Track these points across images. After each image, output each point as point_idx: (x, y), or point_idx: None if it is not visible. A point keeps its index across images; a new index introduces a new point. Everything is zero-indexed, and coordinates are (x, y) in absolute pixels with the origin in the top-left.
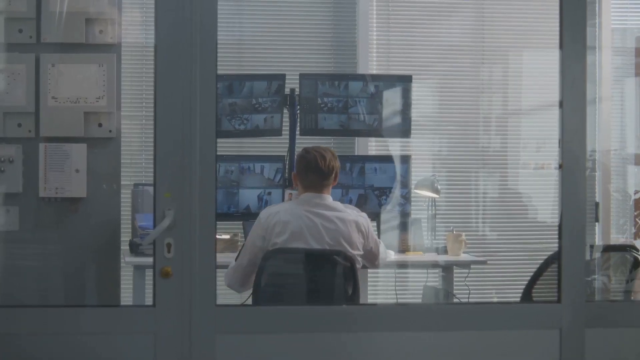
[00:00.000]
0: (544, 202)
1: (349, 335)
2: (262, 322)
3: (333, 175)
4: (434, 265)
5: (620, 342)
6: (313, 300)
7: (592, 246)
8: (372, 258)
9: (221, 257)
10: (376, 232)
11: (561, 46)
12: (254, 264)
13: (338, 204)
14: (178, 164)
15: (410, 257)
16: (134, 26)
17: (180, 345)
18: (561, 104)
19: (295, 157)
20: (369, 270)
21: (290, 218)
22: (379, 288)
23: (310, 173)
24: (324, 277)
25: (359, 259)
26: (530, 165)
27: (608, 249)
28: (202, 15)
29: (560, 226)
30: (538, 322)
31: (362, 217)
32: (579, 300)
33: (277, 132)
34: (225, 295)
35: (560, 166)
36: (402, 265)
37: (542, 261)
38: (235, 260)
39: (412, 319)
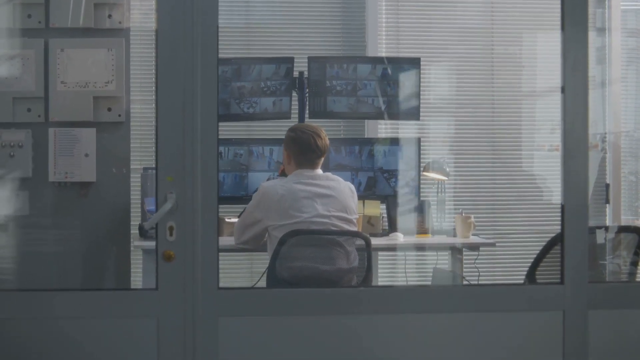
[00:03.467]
0: (555, 184)
1: (355, 318)
2: (265, 304)
3: (326, 152)
4: (444, 247)
5: (623, 323)
6: (328, 282)
7: (606, 228)
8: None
9: (230, 240)
10: (385, 215)
11: (562, 29)
12: (252, 227)
13: (329, 174)
14: (180, 148)
15: (420, 239)
16: (143, 10)
17: (183, 328)
18: (563, 88)
19: (287, 137)
20: (380, 253)
21: (288, 192)
22: (390, 270)
23: (309, 153)
24: (340, 258)
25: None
26: (544, 147)
27: (621, 230)
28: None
29: (562, 208)
30: (541, 303)
31: (349, 183)
32: (581, 282)
33: (286, 115)
34: (228, 278)
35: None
36: (412, 247)
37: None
38: (239, 216)
39: (420, 301)
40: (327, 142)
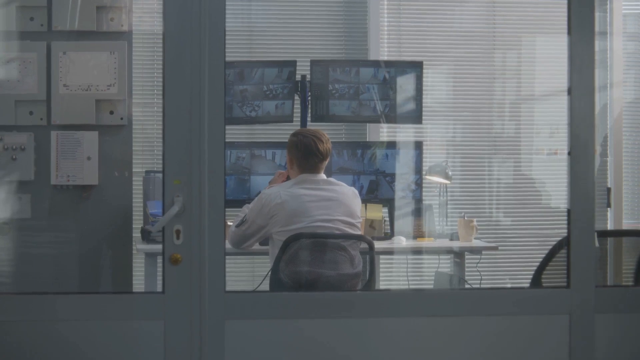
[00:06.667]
0: (556, 187)
1: (360, 321)
2: (271, 308)
3: (329, 156)
4: (446, 251)
5: (630, 328)
6: (332, 287)
7: (605, 232)
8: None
9: None
10: (388, 219)
11: (569, 32)
12: (252, 235)
13: (332, 179)
14: (187, 151)
15: (422, 243)
16: (146, 13)
17: (189, 332)
18: (569, 91)
19: (289, 141)
20: (382, 257)
21: (291, 198)
22: (392, 274)
23: (311, 157)
24: (344, 262)
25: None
26: (544, 151)
27: (620, 233)
28: (211, 1)
29: (569, 212)
30: (547, 307)
31: (353, 188)
32: (588, 286)
33: (288, 119)
34: (235, 281)
35: (569, 153)
36: (414, 251)
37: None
38: (237, 226)
39: (423, 304)
40: (329, 146)
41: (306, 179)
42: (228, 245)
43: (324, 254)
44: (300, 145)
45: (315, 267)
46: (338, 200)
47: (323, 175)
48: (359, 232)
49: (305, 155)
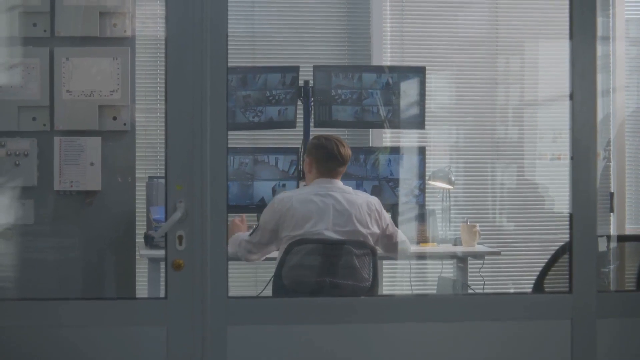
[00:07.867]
0: (560, 193)
1: (363, 327)
2: (274, 313)
3: (348, 162)
4: (449, 256)
5: (632, 333)
6: (333, 291)
7: (608, 237)
8: (392, 243)
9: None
10: None
11: (571, 36)
12: (265, 244)
13: (349, 188)
14: (189, 157)
15: (425, 248)
16: (149, 19)
17: (192, 337)
18: (571, 95)
19: (310, 143)
20: (385, 262)
21: (302, 203)
22: (395, 279)
23: (330, 161)
24: (345, 267)
25: (381, 249)
26: (547, 156)
27: (623, 239)
28: (213, 7)
29: (571, 217)
30: (549, 312)
31: (373, 198)
32: (590, 291)
33: (291, 124)
34: (238, 287)
35: (572, 158)
36: (417, 256)
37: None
38: (249, 235)
39: (426, 310)
40: (350, 152)
41: (321, 185)
42: (231, 250)
43: (328, 261)
44: (322, 147)
45: (317, 275)
46: (347, 210)
47: (339, 183)
48: (370, 242)
49: (326, 158)
